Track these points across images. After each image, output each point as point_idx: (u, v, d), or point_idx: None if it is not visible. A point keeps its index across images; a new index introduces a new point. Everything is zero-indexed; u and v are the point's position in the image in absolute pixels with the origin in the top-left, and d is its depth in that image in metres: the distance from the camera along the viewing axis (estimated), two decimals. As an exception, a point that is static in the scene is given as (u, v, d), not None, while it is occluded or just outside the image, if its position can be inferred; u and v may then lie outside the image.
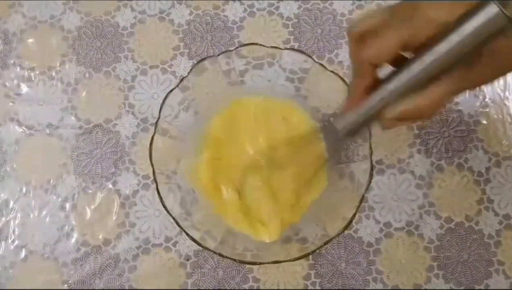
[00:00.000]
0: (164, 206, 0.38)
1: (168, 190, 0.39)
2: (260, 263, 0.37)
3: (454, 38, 0.26)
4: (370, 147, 0.39)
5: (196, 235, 0.38)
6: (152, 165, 0.39)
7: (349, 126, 0.33)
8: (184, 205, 0.40)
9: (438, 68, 0.27)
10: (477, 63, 0.28)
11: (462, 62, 0.27)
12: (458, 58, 0.27)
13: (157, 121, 0.40)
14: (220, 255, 0.37)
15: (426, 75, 0.28)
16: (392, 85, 0.29)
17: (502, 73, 0.30)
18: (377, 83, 0.30)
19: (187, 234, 0.37)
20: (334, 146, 0.37)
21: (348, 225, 0.37)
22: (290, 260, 0.37)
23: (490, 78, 0.30)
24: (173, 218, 0.37)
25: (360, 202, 0.37)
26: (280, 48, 0.42)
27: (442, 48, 0.26)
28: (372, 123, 0.32)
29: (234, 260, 0.37)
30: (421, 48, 0.28)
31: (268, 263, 0.37)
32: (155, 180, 0.38)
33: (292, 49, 0.42)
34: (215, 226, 0.41)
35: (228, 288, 0.44)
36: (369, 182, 0.38)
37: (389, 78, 0.30)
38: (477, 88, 0.48)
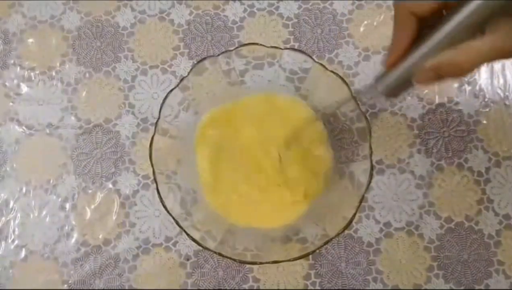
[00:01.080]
0: (164, 206, 0.38)
1: (168, 190, 0.39)
2: (260, 263, 0.37)
3: None
4: (370, 147, 0.39)
5: (196, 235, 0.38)
6: (152, 165, 0.39)
7: (392, 83, 0.31)
8: (184, 205, 0.40)
9: (482, 17, 0.26)
10: None
11: (508, 16, 0.25)
12: (504, 8, 0.25)
13: (157, 121, 0.40)
14: (220, 255, 0.37)
15: (469, 25, 0.26)
16: (436, 36, 0.28)
17: None
18: (420, 37, 0.29)
19: (187, 234, 0.37)
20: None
21: (348, 225, 0.37)
22: (290, 260, 0.37)
23: None
24: (173, 218, 0.37)
25: (360, 202, 0.37)
26: (280, 48, 0.42)
27: None
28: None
29: (234, 260, 0.37)
30: None
31: (268, 263, 0.37)
32: (155, 180, 0.38)
33: (292, 49, 0.42)
34: (215, 226, 0.41)
35: (228, 288, 0.44)
36: (369, 182, 0.38)
37: (433, 29, 0.28)
38: (477, 88, 0.48)
